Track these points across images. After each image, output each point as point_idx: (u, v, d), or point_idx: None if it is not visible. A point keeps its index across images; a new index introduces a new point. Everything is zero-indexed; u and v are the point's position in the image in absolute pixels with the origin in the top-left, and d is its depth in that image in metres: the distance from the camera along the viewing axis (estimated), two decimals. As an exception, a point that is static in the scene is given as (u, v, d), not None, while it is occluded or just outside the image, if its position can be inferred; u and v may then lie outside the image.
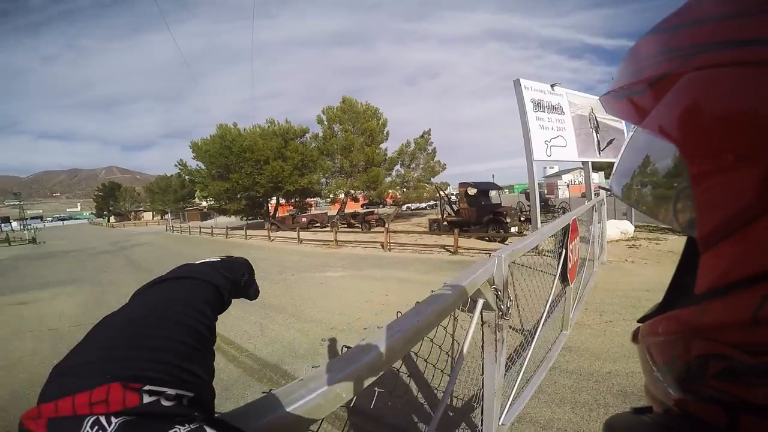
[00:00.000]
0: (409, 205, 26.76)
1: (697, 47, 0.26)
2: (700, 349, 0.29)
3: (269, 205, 29.03)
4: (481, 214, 12.79)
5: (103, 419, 0.25)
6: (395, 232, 12.83)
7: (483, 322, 1.57)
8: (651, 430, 0.36)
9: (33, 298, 7.83)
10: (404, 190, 23.00)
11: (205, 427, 0.27)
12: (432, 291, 1.15)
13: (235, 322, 5.18)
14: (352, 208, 28.14)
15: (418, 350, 1.16)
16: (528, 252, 2.05)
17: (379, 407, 2.52)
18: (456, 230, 10.29)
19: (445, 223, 14.22)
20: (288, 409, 0.53)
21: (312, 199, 32.56)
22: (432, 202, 25.53)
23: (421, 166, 23.02)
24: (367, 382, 0.70)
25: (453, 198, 17.96)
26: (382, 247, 11.83)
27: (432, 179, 22.68)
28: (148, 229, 43.61)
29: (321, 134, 24.62)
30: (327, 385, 0.61)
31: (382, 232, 12.43)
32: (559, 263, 2.85)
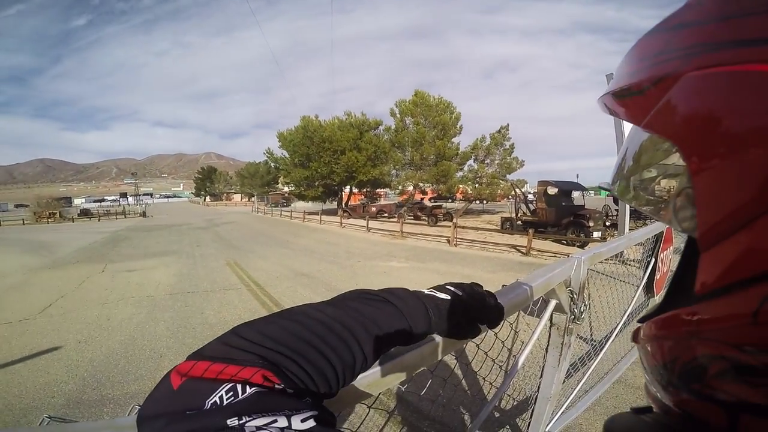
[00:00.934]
0: (476, 201, 25.79)
1: (697, 47, 0.26)
2: (700, 349, 0.29)
3: (343, 193, 30.39)
4: (560, 216, 11.87)
5: (239, 387, 0.29)
6: (463, 227, 12.54)
7: (552, 324, 1.50)
8: (651, 430, 0.36)
9: (139, 267, 9.10)
10: (476, 185, 22.27)
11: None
12: (503, 286, 1.13)
13: (303, 301, 5.58)
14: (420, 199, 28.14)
15: (480, 342, 1.15)
16: (611, 260, 1.88)
17: (429, 397, 2.54)
18: (530, 230, 9.71)
19: (519, 222, 13.48)
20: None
21: (382, 189, 33.33)
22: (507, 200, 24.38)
23: (497, 161, 22.07)
24: (414, 369, 0.71)
25: (530, 197, 16.92)
26: (448, 242, 11.68)
27: (508, 176, 21.62)
28: (237, 209, 48.78)
29: (393, 127, 25.02)
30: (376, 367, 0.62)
31: (449, 226, 12.25)
32: (645, 272, 2.56)
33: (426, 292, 0.50)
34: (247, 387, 0.29)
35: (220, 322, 4.80)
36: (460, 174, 23.74)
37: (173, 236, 16.52)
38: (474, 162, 23.04)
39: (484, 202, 25.59)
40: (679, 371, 0.32)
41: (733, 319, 0.25)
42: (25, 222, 31.61)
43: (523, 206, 14.55)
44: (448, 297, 0.50)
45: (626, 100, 0.34)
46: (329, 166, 26.02)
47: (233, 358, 0.31)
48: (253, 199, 57.71)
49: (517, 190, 16.06)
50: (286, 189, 40.47)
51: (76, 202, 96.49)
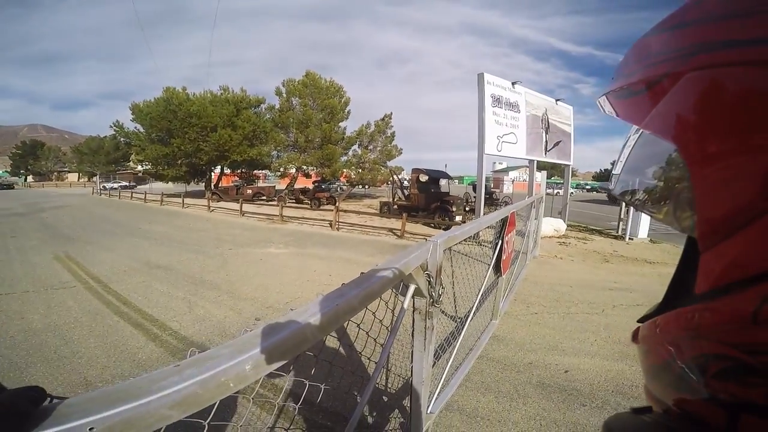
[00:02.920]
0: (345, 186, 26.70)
1: (697, 47, 0.26)
2: (700, 348, 0.29)
3: (213, 174, 27.37)
4: (429, 201, 13.05)
5: None
6: (345, 211, 12.65)
7: (414, 309, 1.52)
8: (651, 430, 0.36)
9: None
10: (359, 170, 22.82)
11: None
12: (362, 273, 1.06)
13: (160, 298, 4.78)
14: (303, 184, 27.49)
15: (354, 338, 1.09)
16: (469, 241, 2.03)
17: (313, 392, 2.44)
18: (404, 215, 10.37)
19: (396, 207, 14.33)
20: (149, 399, 0.46)
21: (261, 171, 31.34)
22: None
23: (379, 148, 22.95)
24: (271, 367, 0.62)
25: (405, 183, 18.12)
26: (330, 226, 11.64)
27: (388, 162, 22.71)
28: (72, 191, 39.03)
29: (278, 106, 23.70)
30: (208, 372, 0.52)
31: (332, 210, 12.21)
32: (494, 254, 2.92)
33: None
34: None
35: (48, 327, 3.81)
36: (344, 158, 23.98)
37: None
38: (358, 147, 23.46)
39: (367, 186, 26.47)
40: (678, 371, 0.32)
41: (732, 319, 0.25)
42: None
43: (399, 192, 15.48)
44: None
45: (626, 101, 0.34)
46: (195, 143, 22.91)
47: None
48: (94, 179, 47.18)
49: (395, 176, 16.97)
50: (139, 168, 34.43)
51: None
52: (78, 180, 61.11)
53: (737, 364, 0.25)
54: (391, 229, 10.89)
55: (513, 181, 46.65)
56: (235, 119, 23.54)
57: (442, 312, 3.71)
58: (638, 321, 0.43)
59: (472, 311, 2.68)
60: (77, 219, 14.12)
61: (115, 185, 36.07)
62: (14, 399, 0.39)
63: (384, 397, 2.50)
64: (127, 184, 40.63)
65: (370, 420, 2.25)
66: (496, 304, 3.51)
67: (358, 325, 1.15)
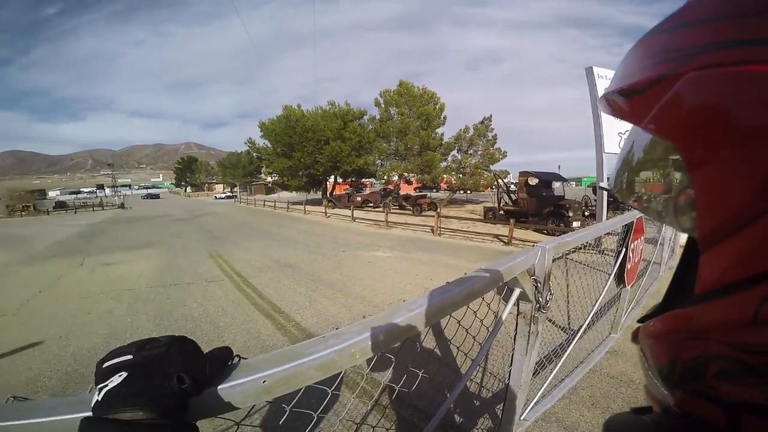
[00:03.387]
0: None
1: (697, 47, 0.26)
2: (700, 349, 0.29)
3: (327, 183, 30.16)
4: (541, 206, 12.10)
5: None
6: (447, 217, 12.66)
7: (519, 313, 1.54)
8: (651, 430, 0.36)
9: (118, 260, 8.87)
10: (460, 176, 22.45)
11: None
12: (465, 273, 1.16)
13: (287, 293, 5.56)
14: (405, 190, 28.24)
15: (452, 337, 1.19)
16: (588, 250, 1.92)
17: (407, 384, 2.60)
18: (512, 220, 9.88)
19: (502, 212, 13.68)
20: (303, 360, 0.62)
21: (368, 179, 33.26)
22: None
23: (480, 152, 22.21)
24: (386, 345, 0.76)
25: (512, 187, 17.15)
26: (432, 231, 11.78)
27: (491, 166, 21.83)
28: (219, 200, 47.65)
29: (378, 117, 24.86)
30: (343, 343, 0.67)
31: (434, 216, 12.35)
32: (616, 262, 2.65)
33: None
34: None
35: (203, 314, 4.75)
36: (444, 164, 23.81)
37: (153, 228, 16.12)
38: (458, 152, 23.14)
39: (468, 192, 25.83)
40: (679, 371, 0.32)
41: (732, 319, 0.25)
42: (-3, 216, 30.22)
43: (505, 196, 14.74)
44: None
45: (626, 100, 0.34)
46: (312, 155, 25.72)
47: None
48: (235, 189, 56.90)
49: (500, 180, 16.24)
50: (269, 179, 40.25)
51: (51, 194, 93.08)
52: (223, 190, 73.92)
53: (737, 364, 0.25)
54: (496, 236, 10.49)
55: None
56: (343, 131, 25.53)
57: (551, 321, 3.49)
58: (638, 321, 0.43)
59: (586, 322, 2.49)
60: (223, 223, 17.27)
61: (222, 195, 44.34)
62: (219, 353, 0.55)
63: (475, 401, 2.49)
64: (231, 194, 48.99)
65: (457, 419, 2.28)
66: (618, 317, 3.16)
67: (459, 321, 1.22)
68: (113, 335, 4.12)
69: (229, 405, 0.54)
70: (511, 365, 1.61)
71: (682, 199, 0.30)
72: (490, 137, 22.00)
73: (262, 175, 48.28)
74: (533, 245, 1.52)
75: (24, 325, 4.62)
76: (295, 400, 0.79)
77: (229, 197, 47.52)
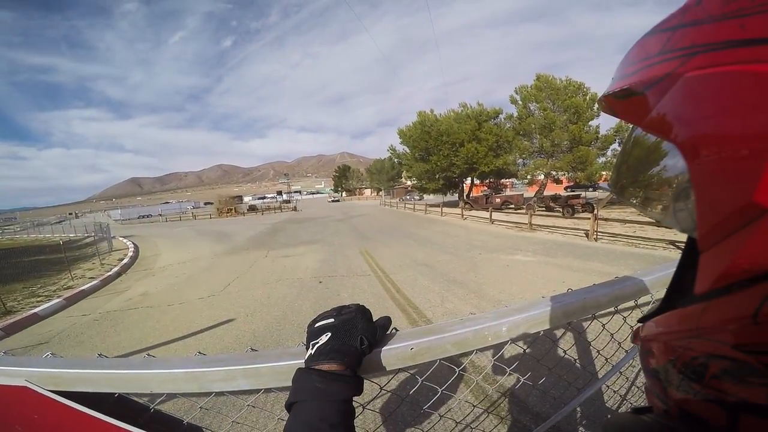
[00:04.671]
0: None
1: (697, 47, 0.26)
2: (700, 349, 0.29)
3: (464, 185, 29.95)
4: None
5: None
6: (606, 220, 10.82)
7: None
8: (651, 430, 0.36)
9: (292, 253, 10.90)
10: (624, 171, 19.02)
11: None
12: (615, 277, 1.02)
13: (422, 290, 5.77)
14: (553, 190, 25.53)
15: (595, 337, 1.06)
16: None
17: (531, 379, 2.40)
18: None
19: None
20: (443, 335, 0.70)
21: (508, 180, 31.61)
22: None
23: (650, 142, 18.37)
24: (518, 332, 0.77)
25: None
26: (587, 235, 10.29)
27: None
28: (367, 203, 53.35)
29: (516, 114, 23.60)
30: (478, 325, 0.73)
31: (589, 218, 10.75)
32: None
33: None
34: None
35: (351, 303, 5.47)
36: (602, 159, 20.85)
37: (317, 227, 19.11)
38: (618, 145, 19.79)
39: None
40: (678, 371, 0.32)
41: (732, 319, 0.25)
42: (211, 216, 41.69)
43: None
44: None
45: (626, 101, 0.34)
46: (448, 158, 25.91)
47: None
48: (381, 193, 62.84)
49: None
50: (409, 183, 42.56)
51: (245, 199, 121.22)
52: (370, 194, 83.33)
53: (737, 364, 0.25)
54: (672, 242, 8.42)
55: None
56: (478, 132, 24.94)
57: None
58: (639, 321, 0.43)
59: None
60: (371, 224, 19.12)
61: (331, 199, 51.25)
62: (383, 322, 0.66)
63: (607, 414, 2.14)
64: (338, 198, 57.32)
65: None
66: None
67: (603, 325, 1.10)
68: (284, 317, 5.04)
69: (384, 366, 0.66)
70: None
71: (682, 198, 0.30)
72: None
73: (403, 179, 51.50)
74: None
75: (225, 303, 6.06)
76: (428, 373, 0.88)
77: (334, 201, 59.55)
